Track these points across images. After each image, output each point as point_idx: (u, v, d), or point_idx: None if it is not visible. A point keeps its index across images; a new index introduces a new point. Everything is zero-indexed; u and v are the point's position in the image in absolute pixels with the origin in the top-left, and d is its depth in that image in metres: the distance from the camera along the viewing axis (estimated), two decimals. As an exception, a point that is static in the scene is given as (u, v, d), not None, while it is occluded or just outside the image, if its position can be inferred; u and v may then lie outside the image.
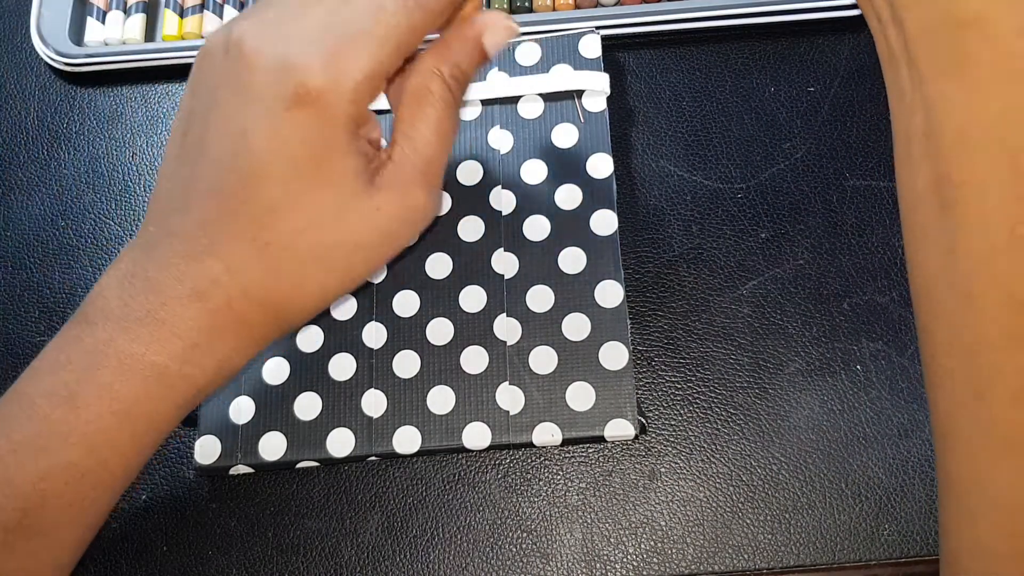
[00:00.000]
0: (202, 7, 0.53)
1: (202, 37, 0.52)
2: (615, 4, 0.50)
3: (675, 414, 0.44)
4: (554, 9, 0.50)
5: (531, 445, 0.43)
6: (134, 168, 0.51)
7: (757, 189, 0.47)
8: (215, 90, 0.36)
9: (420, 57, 0.38)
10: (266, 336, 0.38)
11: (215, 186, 0.36)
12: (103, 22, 0.53)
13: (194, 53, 0.51)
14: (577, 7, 0.50)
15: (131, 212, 0.50)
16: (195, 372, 0.37)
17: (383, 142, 0.39)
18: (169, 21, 0.53)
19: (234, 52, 0.36)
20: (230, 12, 0.52)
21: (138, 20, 0.53)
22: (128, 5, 0.53)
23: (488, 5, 0.50)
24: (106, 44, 0.53)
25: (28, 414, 0.35)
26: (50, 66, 0.53)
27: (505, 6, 0.50)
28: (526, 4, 0.50)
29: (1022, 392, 0.31)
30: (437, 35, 0.38)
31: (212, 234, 0.36)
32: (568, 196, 0.46)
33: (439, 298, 0.45)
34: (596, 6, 0.50)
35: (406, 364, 0.44)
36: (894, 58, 0.35)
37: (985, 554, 0.32)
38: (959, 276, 0.32)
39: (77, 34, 0.53)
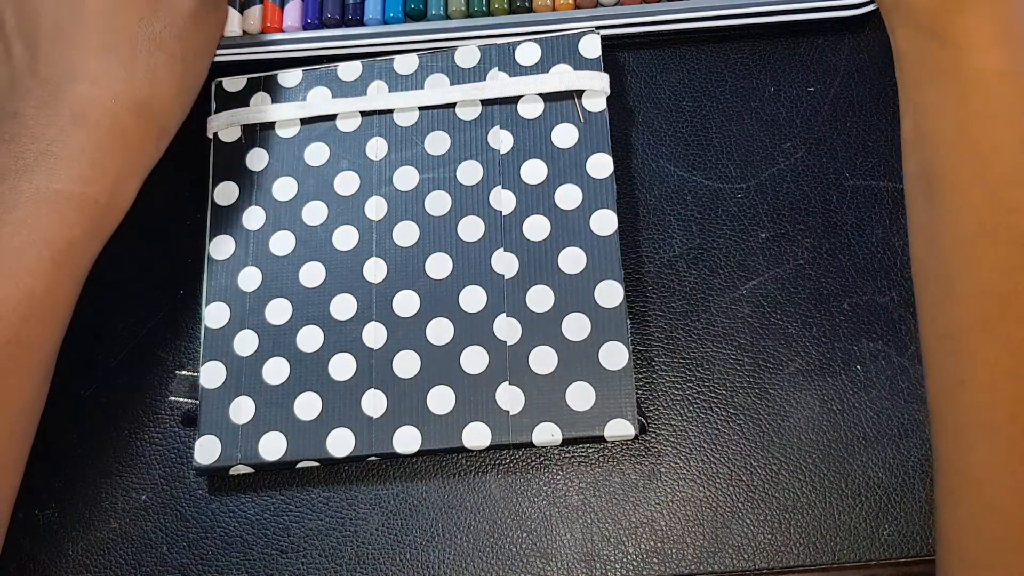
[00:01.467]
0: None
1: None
2: (615, 4, 0.50)
3: (675, 414, 0.44)
4: (554, 9, 0.50)
5: (531, 445, 0.43)
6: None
7: (757, 189, 0.47)
8: None
9: None
10: (145, 145, 0.43)
11: (50, 10, 0.41)
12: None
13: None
14: (577, 7, 0.50)
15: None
16: (95, 191, 0.41)
17: None
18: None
19: None
20: (231, 12, 0.52)
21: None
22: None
23: (488, 6, 0.50)
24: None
25: None
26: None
27: (505, 6, 0.50)
28: (526, 4, 0.50)
29: (998, 378, 0.32)
30: None
31: (66, 57, 0.41)
32: (568, 196, 0.46)
33: (439, 298, 0.45)
34: (596, 6, 0.50)
35: (406, 364, 0.44)
36: (896, 66, 0.39)
37: (969, 533, 0.33)
38: (940, 264, 0.35)
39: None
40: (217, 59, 0.51)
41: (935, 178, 0.35)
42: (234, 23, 0.52)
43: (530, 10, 0.50)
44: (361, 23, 0.51)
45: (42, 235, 0.40)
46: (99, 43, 0.41)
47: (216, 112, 0.50)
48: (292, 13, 0.51)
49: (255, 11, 0.52)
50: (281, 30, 0.52)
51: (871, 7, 0.48)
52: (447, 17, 0.50)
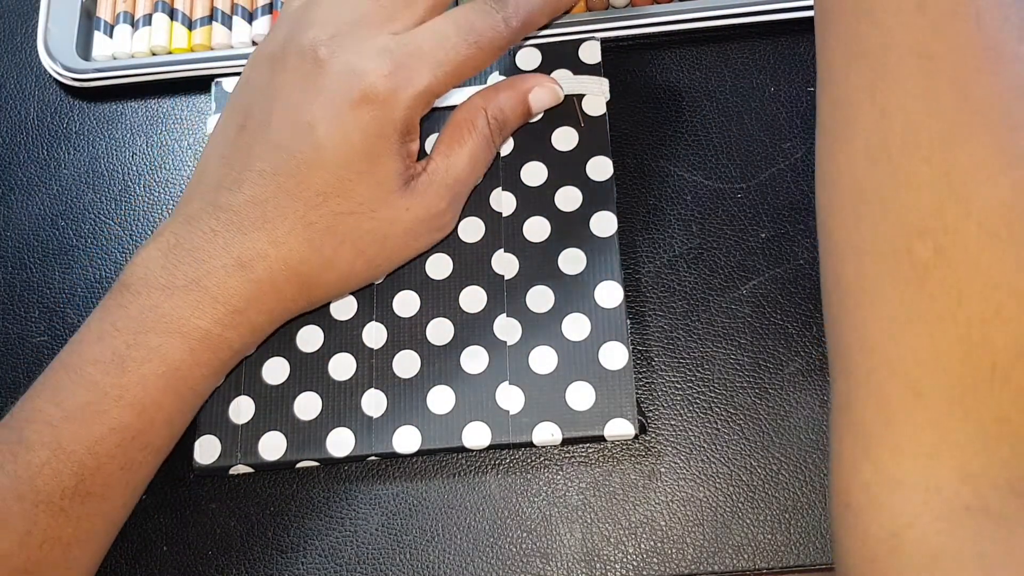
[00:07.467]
0: (210, 19, 0.53)
1: (212, 48, 0.52)
2: (627, 5, 0.50)
3: (675, 414, 0.44)
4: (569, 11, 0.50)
5: (531, 445, 0.43)
6: (134, 168, 0.51)
7: (757, 189, 0.47)
8: (282, 88, 0.41)
9: (473, 94, 0.45)
10: (292, 307, 0.42)
11: (273, 168, 0.40)
12: (111, 36, 0.53)
13: (203, 66, 0.51)
14: (589, 9, 0.50)
15: (131, 212, 0.50)
16: (233, 336, 0.40)
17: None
18: (177, 34, 0.52)
19: (309, 56, 0.41)
20: (239, 24, 0.52)
21: (145, 33, 0.53)
22: (136, 19, 0.53)
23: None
24: (114, 58, 0.53)
25: (78, 381, 0.38)
26: (58, 82, 0.53)
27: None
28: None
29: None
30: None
31: (264, 211, 0.40)
32: (568, 198, 0.46)
33: (439, 298, 0.45)
34: (607, 8, 0.50)
35: (406, 364, 0.44)
36: None
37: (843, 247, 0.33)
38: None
39: (84, 48, 0.53)
40: (225, 71, 0.51)
41: None
42: (244, 35, 0.52)
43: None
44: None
45: (173, 368, 0.39)
46: (297, 211, 0.40)
47: (216, 112, 0.50)
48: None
49: (264, 22, 0.52)
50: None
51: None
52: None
